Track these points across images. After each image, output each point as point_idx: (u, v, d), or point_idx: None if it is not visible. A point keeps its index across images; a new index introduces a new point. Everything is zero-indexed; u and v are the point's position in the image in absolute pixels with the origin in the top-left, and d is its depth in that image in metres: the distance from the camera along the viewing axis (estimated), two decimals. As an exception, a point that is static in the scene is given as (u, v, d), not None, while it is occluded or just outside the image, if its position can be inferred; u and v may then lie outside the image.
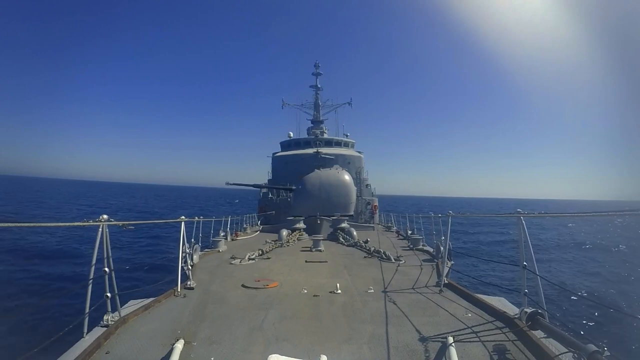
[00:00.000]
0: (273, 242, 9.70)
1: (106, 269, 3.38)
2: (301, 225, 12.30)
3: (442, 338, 3.21)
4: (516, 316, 3.52)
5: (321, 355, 2.64)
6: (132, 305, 4.13)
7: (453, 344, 2.93)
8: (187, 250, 5.73)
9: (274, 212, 16.96)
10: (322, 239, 10.17)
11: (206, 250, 8.55)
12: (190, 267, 5.51)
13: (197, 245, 7.28)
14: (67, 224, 3.37)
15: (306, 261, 7.43)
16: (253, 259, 7.41)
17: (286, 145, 21.49)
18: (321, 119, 24.54)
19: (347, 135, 22.83)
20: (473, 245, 25.54)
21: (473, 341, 3.19)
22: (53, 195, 74.52)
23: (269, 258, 7.75)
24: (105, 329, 3.33)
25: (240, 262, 7.13)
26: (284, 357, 2.47)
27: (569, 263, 19.90)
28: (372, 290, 5.00)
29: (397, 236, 12.55)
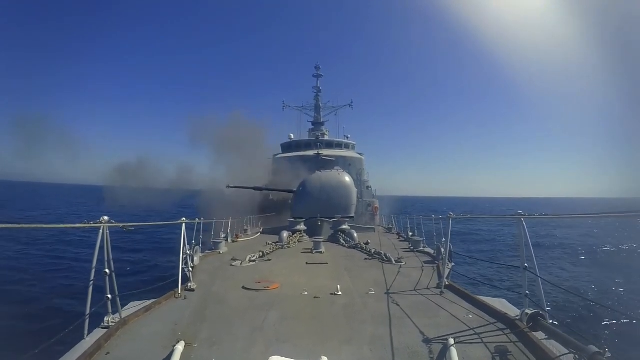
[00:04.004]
0: (274, 244, 9.68)
1: (107, 271, 3.38)
2: (302, 227, 12.27)
3: (443, 339, 3.20)
4: (517, 317, 3.52)
5: (322, 356, 2.64)
6: (133, 306, 4.12)
7: (454, 346, 2.93)
8: (188, 252, 5.72)
9: (274, 213, 16.96)
10: (323, 241, 10.14)
11: (207, 251, 8.54)
12: (191, 269, 5.51)
13: (197, 247, 7.27)
14: (68, 225, 3.34)
15: (307, 263, 7.41)
16: (254, 261, 7.40)
17: (287, 147, 21.52)
18: (322, 120, 24.58)
19: (347, 137, 22.86)
20: (474, 245, 25.44)
21: (474, 342, 3.19)
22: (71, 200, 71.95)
23: (269, 260, 7.73)
24: (105, 330, 3.33)
25: (241, 263, 7.12)
26: (284, 358, 2.47)
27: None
28: (373, 292, 4.99)
29: (398, 238, 12.53)
